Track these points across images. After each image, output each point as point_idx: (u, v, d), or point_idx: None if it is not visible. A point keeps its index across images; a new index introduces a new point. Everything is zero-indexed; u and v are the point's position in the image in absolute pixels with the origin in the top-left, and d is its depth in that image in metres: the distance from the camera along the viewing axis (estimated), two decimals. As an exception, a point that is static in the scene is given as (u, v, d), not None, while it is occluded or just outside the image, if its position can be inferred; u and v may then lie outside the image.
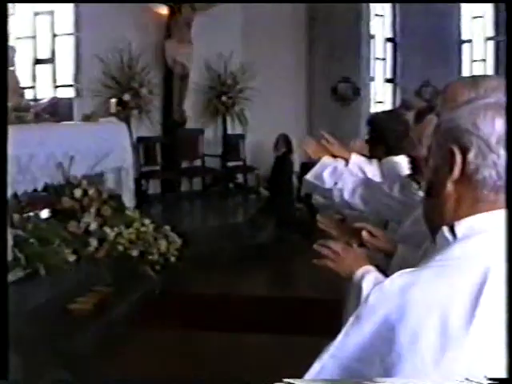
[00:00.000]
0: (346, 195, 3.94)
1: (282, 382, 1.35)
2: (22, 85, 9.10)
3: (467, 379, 1.29)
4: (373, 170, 4.31)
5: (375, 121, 4.96)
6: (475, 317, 1.32)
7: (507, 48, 2.66)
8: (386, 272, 2.74)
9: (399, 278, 1.43)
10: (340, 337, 1.44)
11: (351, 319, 1.44)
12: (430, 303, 1.36)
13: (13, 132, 7.11)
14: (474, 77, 3.28)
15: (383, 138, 4.56)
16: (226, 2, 12.74)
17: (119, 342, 6.17)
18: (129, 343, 6.17)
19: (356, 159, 4.30)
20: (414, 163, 3.24)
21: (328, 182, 4.12)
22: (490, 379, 1.30)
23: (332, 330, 1.70)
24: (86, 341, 6.00)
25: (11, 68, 8.96)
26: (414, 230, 2.85)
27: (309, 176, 4.27)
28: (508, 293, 1.34)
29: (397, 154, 4.38)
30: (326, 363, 1.44)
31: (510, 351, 1.31)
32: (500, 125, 1.47)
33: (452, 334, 1.32)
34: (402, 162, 4.13)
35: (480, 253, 1.42)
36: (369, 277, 2.75)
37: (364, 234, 3.08)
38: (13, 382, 3.95)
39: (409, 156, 3.30)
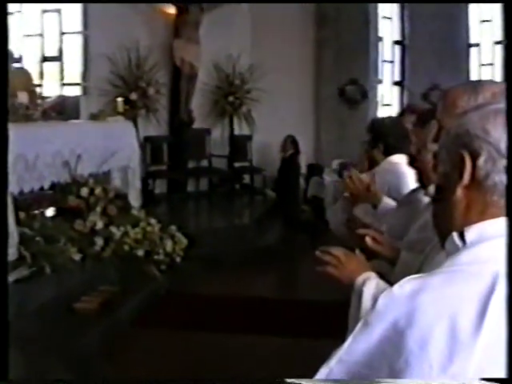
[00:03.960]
0: None
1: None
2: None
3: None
4: None
5: (375, 123, 5.07)
6: (484, 322, 1.31)
7: (507, 48, 2.65)
8: (388, 279, 2.73)
9: (408, 283, 1.42)
10: (348, 342, 1.43)
11: (359, 324, 1.44)
12: (438, 309, 1.35)
13: (20, 130, 7.15)
14: (473, 82, 3.27)
15: (381, 137, 4.65)
16: (232, 1, 12.76)
17: (124, 341, 6.18)
18: (133, 343, 6.18)
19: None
20: (417, 166, 3.23)
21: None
22: (490, 379, 1.30)
23: (338, 332, 1.69)
24: (90, 340, 5.99)
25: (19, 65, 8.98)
26: (419, 236, 2.85)
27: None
28: (508, 293, 1.34)
29: (394, 153, 4.45)
30: (333, 368, 1.43)
31: (510, 351, 1.31)
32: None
33: (461, 340, 1.32)
34: (401, 162, 4.17)
35: (489, 259, 1.41)
36: (370, 283, 2.74)
37: (367, 239, 3.08)
38: (13, 381, 3.95)
39: (410, 156, 3.30)
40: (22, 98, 8.59)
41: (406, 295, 1.39)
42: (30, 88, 8.90)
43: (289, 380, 1.39)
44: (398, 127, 4.65)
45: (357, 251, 3.03)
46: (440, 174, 1.60)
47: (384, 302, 1.42)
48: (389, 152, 4.59)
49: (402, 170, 4.15)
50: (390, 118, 6.24)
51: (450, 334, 1.32)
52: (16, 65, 12.04)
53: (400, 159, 4.31)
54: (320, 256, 2.93)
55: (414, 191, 3.56)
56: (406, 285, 1.42)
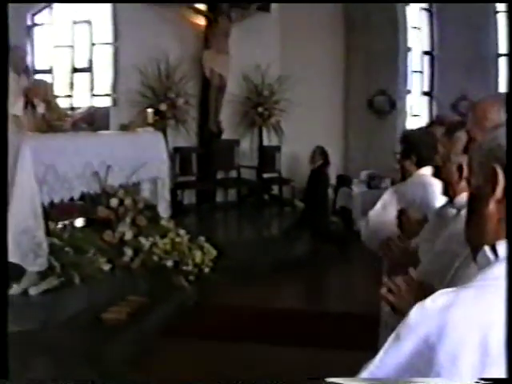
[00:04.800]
0: None
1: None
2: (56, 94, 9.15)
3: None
4: None
5: (407, 135, 5.09)
6: None
7: (507, 48, 2.62)
8: None
9: (440, 297, 1.41)
10: (379, 355, 1.43)
11: (391, 338, 1.43)
12: (470, 323, 1.34)
13: (50, 140, 7.21)
14: (503, 94, 3.26)
15: (414, 149, 4.66)
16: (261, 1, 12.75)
17: (152, 351, 6.18)
18: (161, 353, 6.18)
19: None
20: (443, 178, 3.23)
21: None
22: (490, 379, 1.29)
23: (366, 345, 1.68)
24: (118, 349, 6.01)
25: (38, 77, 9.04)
26: (445, 248, 2.83)
27: None
28: (508, 293, 1.33)
29: (426, 165, 4.46)
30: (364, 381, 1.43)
31: (509, 351, 1.29)
32: None
33: (492, 354, 1.31)
34: (429, 174, 4.17)
35: (521, 272, 1.40)
36: None
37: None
38: (13, 381, 3.97)
39: (436, 167, 3.30)
40: (40, 109, 8.69)
41: (437, 309, 1.38)
42: (49, 99, 8.97)
43: (329, 380, 1.39)
44: (429, 138, 4.64)
45: (411, 269, 3.01)
46: (472, 187, 1.59)
47: (416, 316, 1.41)
48: (421, 163, 4.58)
49: (431, 181, 4.13)
50: (422, 129, 6.22)
51: (482, 347, 1.31)
52: (39, 76, 12.20)
53: (428, 171, 4.31)
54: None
55: (442, 206, 3.54)
56: (438, 299, 1.41)
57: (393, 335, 1.43)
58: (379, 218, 4.54)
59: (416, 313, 1.41)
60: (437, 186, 3.63)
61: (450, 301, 1.39)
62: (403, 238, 3.92)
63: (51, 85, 9.40)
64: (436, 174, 3.30)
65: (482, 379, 1.30)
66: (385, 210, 4.57)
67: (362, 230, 4.81)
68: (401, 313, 2.82)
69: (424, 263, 3.11)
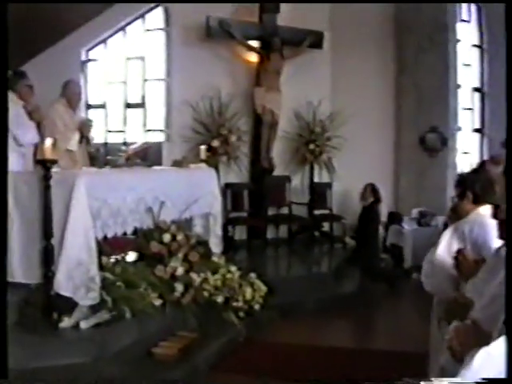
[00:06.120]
0: None
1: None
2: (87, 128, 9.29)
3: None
4: None
5: (463, 176, 5.10)
6: None
7: (507, 49, 2.62)
8: None
9: (502, 343, 1.42)
10: None
11: (455, 380, 1.44)
12: None
13: (104, 175, 7.31)
14: None
15: (469, 187, 4.64)
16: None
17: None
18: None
19: None
20: (501, 218, 3.22)
21: None
22: (490, 379, 1.29)
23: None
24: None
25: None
26: (500, 292, 2.81)
27: None
28: (508, 292, 1.33)
29: (482, 204, 4.44)
30: None
31: (509, 351, 1.30)
32: None
33: None
34: (487, 214, 4.17)
35: None
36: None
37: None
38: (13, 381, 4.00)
39: (495, 207, 3.30)
40: (73, 144, 8.85)
41: (501, 355, 1.40)
42: (86, 134, 9.14)
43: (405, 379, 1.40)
44: (485, 177, 4.65)
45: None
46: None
47: (480, 360, 1.42)
48: (477, 201, 4.58)
49: (488, 222, 4.13)
50: (477, 167, 6.22)
51: None
52: (93, 111, 12.41)
53: (486, 211, 4.31)
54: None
55: (499, 248, 3.53)
56: (502, 344, 1.42)
57: (458, 378, 1.44)
58: (445, 257, 4.52)
59: (480, 358, 1.42)
60: (494, 226, 3.62)
61: None
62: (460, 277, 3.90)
63: (91, 121, 9.55)
64: (495, 215, 3.30)
65: (483, 379, 1.30)
66: (448, 248, 4.56)
67: (426, 268, 4.76)
68: (461, 358, 2.81)
69: (480, 305, 3.09)
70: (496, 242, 3.80)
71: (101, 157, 8.71)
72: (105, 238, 7.12)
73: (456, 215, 4.80)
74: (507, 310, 1.31)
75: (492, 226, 4.00)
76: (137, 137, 12.99)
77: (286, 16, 12.94)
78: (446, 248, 4.58)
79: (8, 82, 8.40)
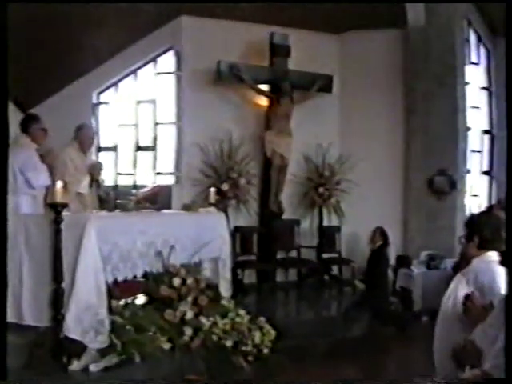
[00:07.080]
0: None
1: None
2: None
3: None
4: None
5: (472, 218, 5.10)
6: None
7: (507, 49, 2.64)
8: None
9: None
10: None
11: None
12: None
13: (115, 219, 7.35)
14: None
15: (477, 231, 4.65)
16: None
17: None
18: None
19: None
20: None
21: None
22: (490, 379, 1.31)
23: None
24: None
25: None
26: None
27: None
28: (508, 292, 1.36)
29: (488, 247, 4.46)
30: None
31: (509, 351, 1.32)
32: None
33: None
34: (495, 260, 4.18)
35: None
36: None
37: None
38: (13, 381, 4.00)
39: (502, 254, 3.32)
40: (83, 188, 8.89)
41: None
42: (97, 177, 9.19)
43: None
44: (494, 221, 4.66)
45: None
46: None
47: None
48: (483, 245, 4.58)
49: (496, 269, 4.15)
50: (486, 211, 6.23)
51: None
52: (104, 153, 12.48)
53: (494, 257, 4.32)
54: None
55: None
56: None
57: None
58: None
59: None
60: (501, 272, 3.64)
61: None
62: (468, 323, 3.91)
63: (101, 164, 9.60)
64: (502, 263, 3.31)
65: (483, 379, 1.33)
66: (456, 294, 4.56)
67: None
68: None
69: (491, 354, 3.09)
70: (503, 288, 3.81)
71: (111, 200, 8.74)
72: (115, 281, 7.14)
73: (465, 262, 4.81)
74: (507, 309, 1.34)
75: (497, 271, 4.01)
76: (147, 179, 13.06)
77: (296, 59, 13.05)
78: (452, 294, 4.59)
79: (21, 125, 8.54)
